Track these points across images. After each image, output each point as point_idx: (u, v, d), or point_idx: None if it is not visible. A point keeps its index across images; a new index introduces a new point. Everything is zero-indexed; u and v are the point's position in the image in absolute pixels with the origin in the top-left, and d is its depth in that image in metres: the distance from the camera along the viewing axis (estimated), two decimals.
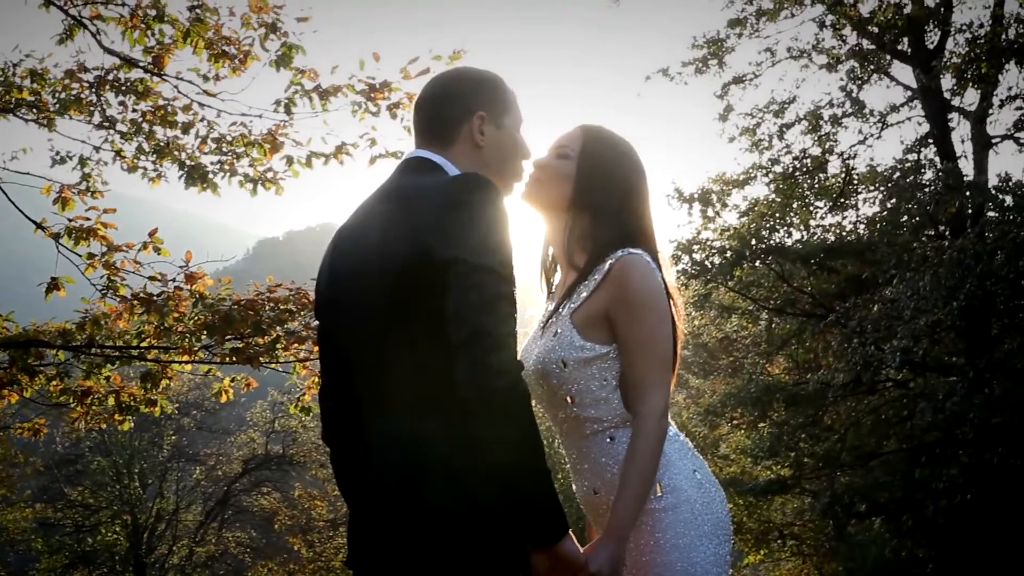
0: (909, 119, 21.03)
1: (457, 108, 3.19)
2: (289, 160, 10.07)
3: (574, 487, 3.49)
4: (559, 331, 3.36)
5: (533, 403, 3.04)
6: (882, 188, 19.77)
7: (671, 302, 3.38)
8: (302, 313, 9.89)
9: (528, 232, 3.65)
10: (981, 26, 19.24)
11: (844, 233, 21.18)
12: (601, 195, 3.43)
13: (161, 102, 10.09)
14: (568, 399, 3.34)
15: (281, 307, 9.87)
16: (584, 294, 3.33)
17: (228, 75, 9.80)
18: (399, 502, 2.82)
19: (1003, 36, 18.47)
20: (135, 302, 9.58)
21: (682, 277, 20.93)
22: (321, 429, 3.35)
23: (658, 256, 3.43)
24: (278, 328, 9.84)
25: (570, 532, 2.86)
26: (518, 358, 2.79)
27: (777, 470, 22.37)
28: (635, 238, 3.40)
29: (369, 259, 2.93)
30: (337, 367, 3.20)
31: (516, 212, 3.31)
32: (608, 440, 3.32)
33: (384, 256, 2.86)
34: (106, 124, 10.18)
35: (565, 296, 3.42)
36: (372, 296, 2.89)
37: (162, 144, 10.22)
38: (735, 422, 23.71)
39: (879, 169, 20.18)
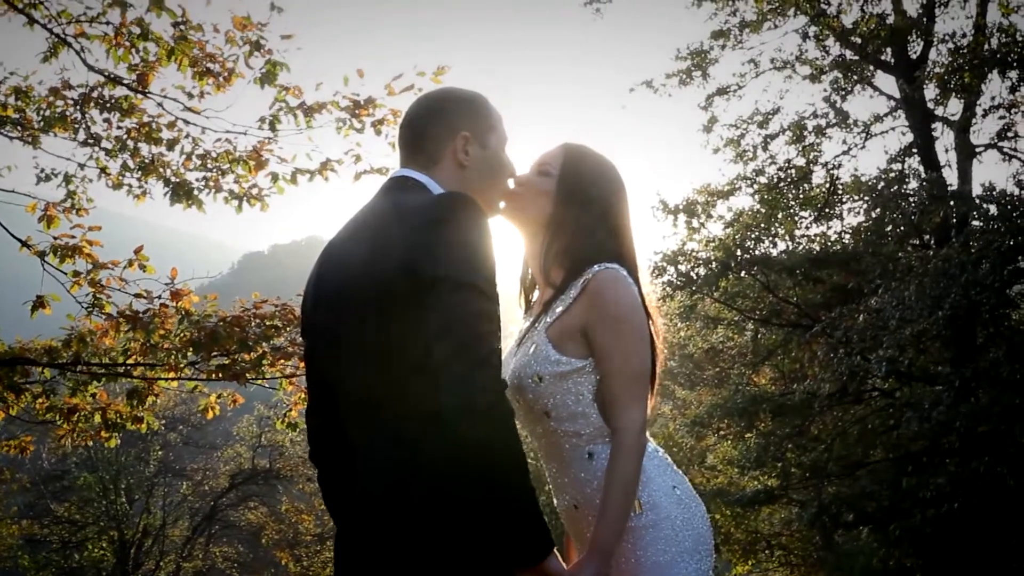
0: (893, 129, 21.11)
1: (442, 128, 3.21)
2: (274, 177, 10.07)
3: (555, 501, 3.48)
4: (535, 345, 3.36)
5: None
6: (866, 198, 19.79)
7: (649, 318, 3.39)
8: (288, 329, 9.90)
9: (510, 249, 3.66)
10: (964, 36, 19.33)
11: (829, 243, 21.21)
12: (579, 212, 3.44)
13: (146, 119, 10.09)
14: (545, 414, 3.33)
15: (267, 323, 9.88)
16: (560, 309, 3.34)
17: (212, 92, 9.80)
18: (384, 521, 2.82)
19: (985, 46, 18.54)
20: (121, 319, 9.58)
21: (668, 288, 20.95)
22: (309, 448, 3.34)
23: (637, 272, 3.44)
24: (264, 344, 9.84)
25: (555, 551, 2.86)
26: (500, 376, 2.81)
27: (764, 480, 22.37)
28: (613, 254, 3.40)
29: (354, 277, 2.94)
30: (324, 385, 3.19)
31: (499, 229, 3.33)
32: (587, 456, 3.31)
33: (369, 274, 2.87)
34: (91, 141, 10.18)
35: (542, 311, 3.43)
36: (356, 314, 2.90)
37: (147, 161, 10.21)
38: (722, 433, 23.74)
39: (863, 179, 20.20)
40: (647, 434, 3.30)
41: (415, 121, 3.28)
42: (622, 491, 3.14)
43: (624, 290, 3.29)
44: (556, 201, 3.46)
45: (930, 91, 19.92)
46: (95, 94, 10.01)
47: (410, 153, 3.24)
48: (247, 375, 9.77)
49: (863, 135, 21.06)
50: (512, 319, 3.68)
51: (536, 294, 3.67)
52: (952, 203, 17.59)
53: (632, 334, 3.28)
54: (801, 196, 21.54)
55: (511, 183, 3.42)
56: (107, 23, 9.36)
